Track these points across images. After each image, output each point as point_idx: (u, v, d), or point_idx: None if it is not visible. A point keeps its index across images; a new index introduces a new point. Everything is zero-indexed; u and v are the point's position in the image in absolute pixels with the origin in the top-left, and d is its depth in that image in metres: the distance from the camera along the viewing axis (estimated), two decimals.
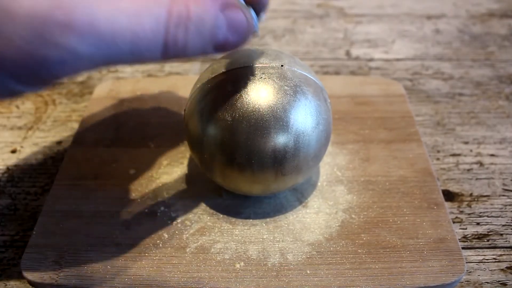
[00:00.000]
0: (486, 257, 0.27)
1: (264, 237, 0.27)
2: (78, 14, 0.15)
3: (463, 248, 0.28)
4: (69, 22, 0.15)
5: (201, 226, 0.28)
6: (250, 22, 0.21)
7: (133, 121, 0.35)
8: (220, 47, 0.20)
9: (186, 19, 0.18)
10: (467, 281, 0.26)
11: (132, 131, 0.34)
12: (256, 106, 0.24)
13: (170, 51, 0.18)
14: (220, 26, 0.19)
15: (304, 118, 0.24)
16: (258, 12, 0.23)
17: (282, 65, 0.25)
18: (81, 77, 0.42)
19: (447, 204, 0.30)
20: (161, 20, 0.17)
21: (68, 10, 0.15)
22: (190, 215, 0.28)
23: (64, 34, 0.15)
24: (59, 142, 0.35)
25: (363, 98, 0.37)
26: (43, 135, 0.36)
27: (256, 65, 0.25)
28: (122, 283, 0.25)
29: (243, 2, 0.22)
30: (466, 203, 0.30)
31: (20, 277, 0.27)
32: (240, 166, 0.24)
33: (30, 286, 0.26)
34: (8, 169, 0.33)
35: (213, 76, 0.25)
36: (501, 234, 0.28)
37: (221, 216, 0.28)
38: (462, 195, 0.31)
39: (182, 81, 0.39)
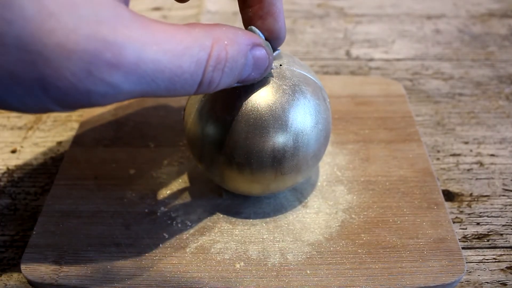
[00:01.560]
0: (486, 257, 0.27)
1: (264, 237, 0.27)
2: (126, 55, 0.16)
3: (463, 248, 0.28)
4: (117, 62, 0.16)
5: (201, 226, 0.28)
6: (270, 59, 0.22)
7: (133, 121, 0.35)
8: (241, 82, 0.22)
9: (224, 62, 0.19)
10: (467, 281, 0.26)
11: (132, 131, 0.34)
12: (255, 106, 0.24)
13: (203, 89, 0.19)
14: (248, 65, 0.21)
15: (303, 117, 0.24)
16: (274, 48, 0.24)
17: (280, 65, 0.25)
18: None
19: (447, 204, 0.30)
20: (202, 64, 0.18)
21: (117, 51, 0.16)
22: (190, 215, 0.28)
23: (111, 72, 0.16)
24: (59, 142, 0.35)
25: (363, 98, 0.37)
26: (43, 135, 0.36)
27: None
28: (122, 283, 0.25)
29: (263, 38, 0.23)
30: (466, 203, 0.30)
31: (20, 277, 0.27)
32: (239, 165, 0.24)
33: (30, 286, 0.26)
34: (8, 169, 0.33)
35: None
36: (501, 234, 0.28)
37: (221, 216, 0.28)
38: (462, 195, 0.31)
39: None
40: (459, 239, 0.28)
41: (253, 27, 0.23)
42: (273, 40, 0.24)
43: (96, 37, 0.16)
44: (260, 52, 0.21)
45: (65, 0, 0.15)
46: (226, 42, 0.19)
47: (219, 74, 0.19)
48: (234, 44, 0.19)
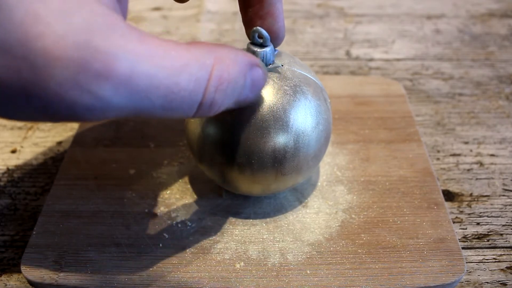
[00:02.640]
0: (486, 257, 0.27)
1: (264, 237, 0.27)
2: (118, 66, 0.15)
3: (463, 248, 0.28)
4: (107, 73, 0.15)
5: (201, 226, 0.28)
6: (265, 79, 0.22)
7: (133, 121, 0.35)
8: (237, 103, 0.21)
9: (226, 83, 0.18)
10: (467, 281, 0.26)
11: (132, 131, 0.34)
12: (256, 106, 0.24)
13: (203, 110, 0.18)
14: (247, 86, 0.20)
15: (304, 118, 0.24)
16: (275, 47, 0.24)
17: (281, 65, 0.25)
18: None
19: (447, 204, 0.30)
20: (202, 83, 0.17)
21: (108, 61, 0.15)
22: (190, 215, 0.28)
23: (99, 83, 0.15)
24: (59, 142, 0.35)
25: (363, 98, 0.37)
26: (43, 135, 0.36)
27: None
28: (122, 283, 0.25)
29: (268, 39, 0.23)
30: (466, 203, 0.30)
31: (20, 277, 0.27)
32: (240, 166, 0.24)
33: (30, 286, 0.26)
34: (8, 169, 0.33)
35: None
36: (501, 234, 0.28)
37: (221, 216, 0.28)
38: (462, 195, 0.31)
39: None
40: (459, 239, 0.28)
41: (259, 28, 0.23)
42: (272, 40, 0.24)
43: (86, 45, 0.15)
44: (258, 73, 0.21)
45: (57, 6, 0.15)
46: (228, 63, 0.18)
47: (221, 96, 0.18)
48: (235, 65, 0.19)
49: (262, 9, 0.23)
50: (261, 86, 0.22)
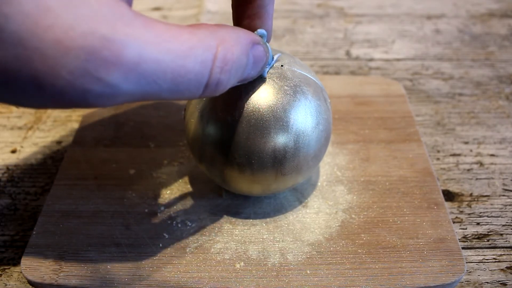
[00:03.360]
0: (486, 257, 0.27)
1: (264, 237, 0.27)
2: (126, 53, 0.16)
3: (463, 248, 0.28)
4: (116, 61, 0.16)
5: (201, 226, 0.28)
6: (267, 56, 0.22)
7: (133, 121, 0.35)
8: (241, 81, 0.21)
9: (230, 63, 0.19)
10: (467, 281, 0.26)
11: (132, 131, 0.34)
12: (256, 106, 0.24)
13: (209, 90, 0.19)
14: (249, 63, 0.21)
15: (304, 118, 0.24)
16: None
17: (282, 65, 0.25)
18: None
19: (447, 204, 0.30)
20: (207, 64, 0.18)
21: (116, 48, 0.15)
22: (190, 215, 0.28)
23: (108, 71, 0.16)
24: (59, 142, 0.35)
25: (363, 98, 0.37)
26: (43, 135, 0.36)
27: None
28: (122, 283, 0.25)
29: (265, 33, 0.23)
30: (466, 203, 0.30)
31: (20, 277, 0.27)
32: (240, 166, 0.24)
33: (30, 286, 0.26)
34: (8, 169, 0.33)
35: None
36: (501, 234, 0.28)
37: (221, 216, 0.28)
38: (462, 195, 0.31)
39: None
40: (459, 239, 0.28)
41: (262, 30, 0.23)
42: None
43: (94, 34, 0.15)
44: (259, 50, 0.21)
45: None
46: (231, 43, 0.19)
47: (226, 76, 0.19)
48: (238, 44, 0.19)
49: (252, 9, 0.23)
50: (263, 63, 0.22)
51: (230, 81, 0.19)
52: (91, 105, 0.17)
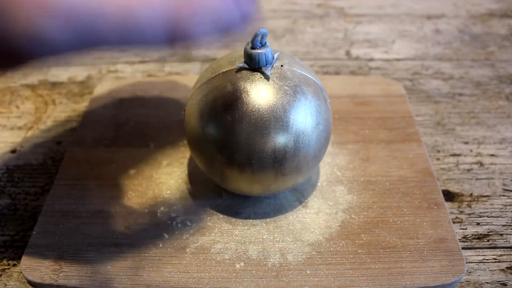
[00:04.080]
0: (486, 257, 0.27)
1: (264, 237, 0.27)
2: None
3: (463, 248, 0.28)
4: (47, 7, 0.14)
5: (201, 226, 0.28)
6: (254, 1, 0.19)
7: (133, 121, 0.35)
8: (222, 31, 0.18)
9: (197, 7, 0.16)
10: (467, 281, 0.26)
11: (132, 131, 0.34)
12: (256, 106, 0.24)
13: (176, 40, 0.16)
14: (230, 10, 0.18)
15: (304, 118, 0.24)
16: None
17: (282, 65, 0.25)
18: (81, 77, 0.42)
19: (447, 204, 0.30)
20: (163, 11, 0.16)
21: None
22: (190, 215, 0.28)
23: (34, 13, 0.14)
24: (59, 142, 0.35)
25: (363, 98, 0.37)
26: (43, 135, 0.36)
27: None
28: (122, 283, 0.25)
29: None
30: (466, 203, 0.30)
31: (20, 277, 0.27)
32: (240, 166, 0.24)
33: (30, 286, 0.26)
34: (8, 169, 0.33)
35: (213, 76, 0.25)
36: (501, 234, 0.28)
37: (221, 216, 0.28)
38: (462, 195, 0.31)
39: (182, 81, 0.39)
40: (459, 239, 0.28)
41: (264, 30, 0.22)
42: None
43: None
44: None
45: None
46: None
47: (193, 22, 0.16)
48: None
49: None
50: (250, 11, 0.19)
51: (201, 29, 0.17)
52: (21, 57, 0.15)
